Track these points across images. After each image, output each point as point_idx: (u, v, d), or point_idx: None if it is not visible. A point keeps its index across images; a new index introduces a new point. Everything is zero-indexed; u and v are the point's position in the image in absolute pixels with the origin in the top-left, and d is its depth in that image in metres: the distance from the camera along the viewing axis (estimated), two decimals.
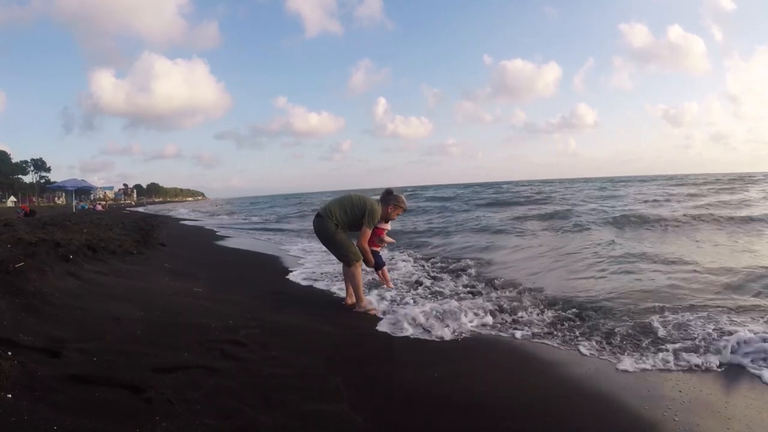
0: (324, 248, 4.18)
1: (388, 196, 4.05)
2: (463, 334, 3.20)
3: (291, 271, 6.11)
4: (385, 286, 4.43)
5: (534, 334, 3.20)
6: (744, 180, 28.28)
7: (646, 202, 15.61)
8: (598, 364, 2.65)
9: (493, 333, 3.28)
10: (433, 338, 3.12)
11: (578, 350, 2.88)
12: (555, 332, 3.21)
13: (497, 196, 24.74)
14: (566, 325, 3.35)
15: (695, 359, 2.60)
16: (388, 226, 4.20)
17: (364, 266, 4.03)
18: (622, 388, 2.31)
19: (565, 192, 24.91)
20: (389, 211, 4.04)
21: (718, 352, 2.66)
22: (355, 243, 3.95)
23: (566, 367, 2.62)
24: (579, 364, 2.66)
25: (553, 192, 25.18)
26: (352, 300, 3.98)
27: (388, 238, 4.23)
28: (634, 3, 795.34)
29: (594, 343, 2.97)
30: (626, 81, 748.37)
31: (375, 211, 3.91)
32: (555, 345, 3.00)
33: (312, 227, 4.13)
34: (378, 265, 4.17)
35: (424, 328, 3.26)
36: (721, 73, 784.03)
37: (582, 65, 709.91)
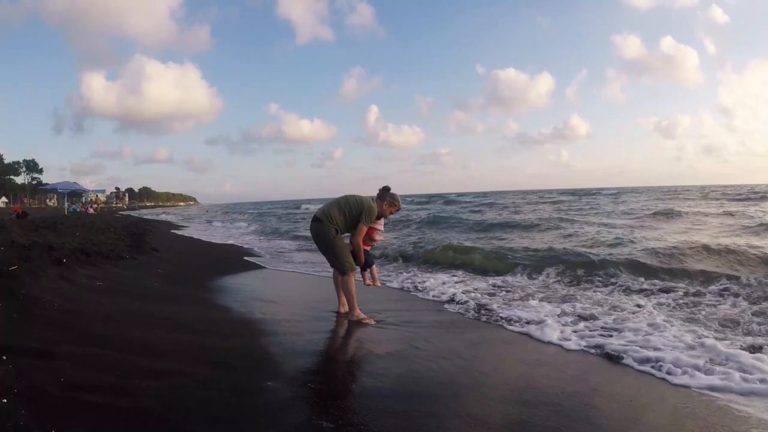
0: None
1: (385, 193, 4.07)
2: None
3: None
4: (371, 285, 4.24)
5: None
6: None
7: None
8: None
9: None
10: None
11: None
12: None
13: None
14: None
15: None
16: (381, 227, 4.18)
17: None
18: None
19: None
20: (385, 207, 4.05)
21: None
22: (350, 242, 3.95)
23: None
24: None
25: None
26: (345, 309, 3.99)
27: (379, 237, 4.21)
28: (627, 14, 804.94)
29: None
30: (619, 93, 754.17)
31: (372, 209, 3.92)
32: None
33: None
34: (368, 263, 4.14)
35: None
36: (713, 86, 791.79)
37: (575, 76, 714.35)
